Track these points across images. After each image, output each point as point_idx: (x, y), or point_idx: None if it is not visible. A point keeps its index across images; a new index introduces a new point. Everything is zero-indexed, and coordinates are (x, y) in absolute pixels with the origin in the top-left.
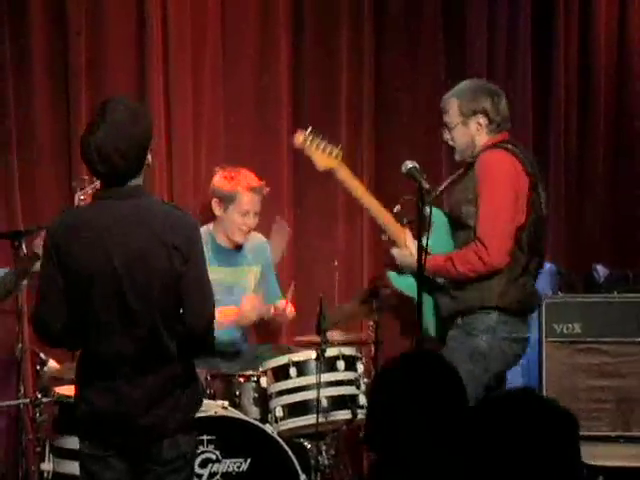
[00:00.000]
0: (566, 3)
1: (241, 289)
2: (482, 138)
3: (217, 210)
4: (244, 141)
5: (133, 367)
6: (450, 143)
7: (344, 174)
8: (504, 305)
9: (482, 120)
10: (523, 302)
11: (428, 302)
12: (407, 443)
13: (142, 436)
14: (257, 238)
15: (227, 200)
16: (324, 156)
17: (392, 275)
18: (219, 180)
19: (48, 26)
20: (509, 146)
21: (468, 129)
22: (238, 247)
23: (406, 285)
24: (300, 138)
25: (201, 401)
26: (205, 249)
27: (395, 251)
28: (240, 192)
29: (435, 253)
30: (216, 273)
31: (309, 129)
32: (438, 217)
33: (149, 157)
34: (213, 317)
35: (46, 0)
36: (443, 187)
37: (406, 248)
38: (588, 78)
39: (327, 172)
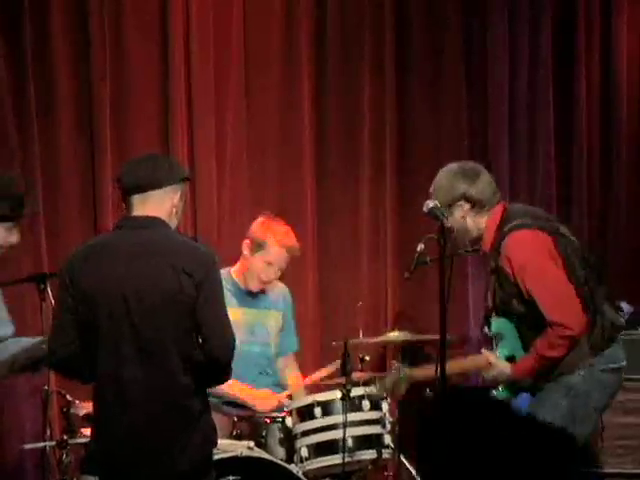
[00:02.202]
0: (587, 21)
1: (263, 329)
2: (473, 221)
3: (246, 250)
4: (267, 181)
5: (145, 399)
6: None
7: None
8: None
9: (465, 205)
10: (608, 331)
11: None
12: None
13: (152, 478)
14: (278, 286)
15: (257, 245)
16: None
17: (500, 394)
18: (257, 224)
19: (72, 72)
20: (517, 222)
21: (455, 217)
22: (260, 290)
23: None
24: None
25: (215, 440)
26: (225, 290)
27: (489, 375)
28: (272, 243)
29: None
30: (236, 313)
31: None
32: (501, 326)
33: (176, 202)
34: (234, 346)
35: (70, 46)
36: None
37: (493, 366)
38: (609, 95)
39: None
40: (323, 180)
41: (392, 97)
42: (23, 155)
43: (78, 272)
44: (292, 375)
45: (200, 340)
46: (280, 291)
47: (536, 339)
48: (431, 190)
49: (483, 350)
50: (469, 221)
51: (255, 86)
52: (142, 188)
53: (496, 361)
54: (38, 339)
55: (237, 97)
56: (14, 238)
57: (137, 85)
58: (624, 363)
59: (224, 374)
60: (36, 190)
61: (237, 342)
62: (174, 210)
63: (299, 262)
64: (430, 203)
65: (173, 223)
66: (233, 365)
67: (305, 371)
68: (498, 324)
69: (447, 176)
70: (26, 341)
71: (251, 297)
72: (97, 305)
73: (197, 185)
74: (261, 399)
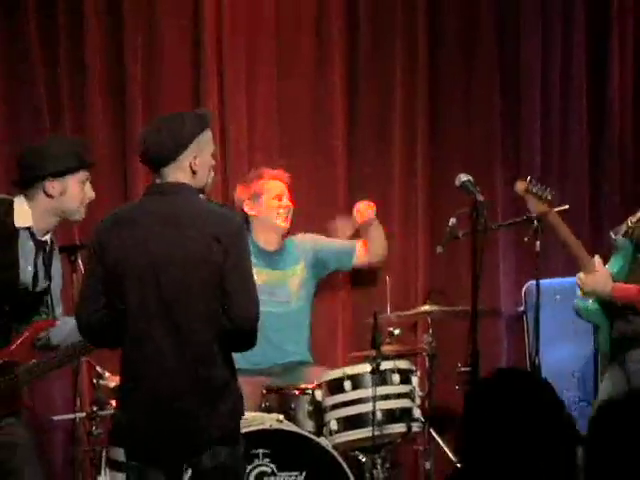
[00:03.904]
0: (621, 19)
1: (284, 289)
2: None
3: (250, 210)
4: (299, 160)
5: (171, 368)
6: None
7: (553, 218)
8: None
9: None
10: None
11: (606, 322)
12: (503, 459)
13: (177, 448)
14: (297, 237)
15: (256, 196)
16: (539, 202)
17: (582, 306)
18: (241, 190)
19: (104, 54)
20: None
21: None
22: (279, 249)
23: (589, 312)
24: (521, 186)
25: (242, 409)
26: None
27: (583, 278)
28: (264, 183)
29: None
30: (258, 275)
31: (529, 178)
32: (623, 245)
33: (193, 159)
34: (259, 312)
35: (103, 28)
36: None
37: (597, 269)
38: None
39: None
40: (354, 154)
41: (424, 73)
42: (54, 125)
43: (106, 241)
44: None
45: (225, 307)
46: (299, 242)
47: None
48: None
49: (596, 256)
50: None
51: (286, 65)
52: (156, 165)
53: (602, 268)
54: None
55: (268, 76)
56: (90, 192)
57: (169, 66)
58: None
59: (249, 341)
60: None
61: (260, 301)
62: (195, 172)
63: (331, 235)
64: (462, 177)
65: (200, 179)
66: None
67: (335, 351)
68: (624, 242)
69: None
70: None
71: (272, 257)
72: (125, 273)
73: (228, 162)
74: None
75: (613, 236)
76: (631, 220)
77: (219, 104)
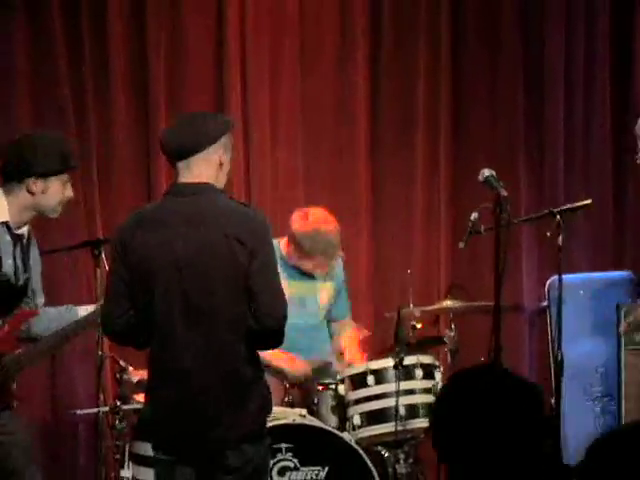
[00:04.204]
0: None
1: (313, 302)
2: None
3: (293, 252)
4: (321, 158)
5: (197, 367)
6: None
7: None
8: None
9: None
10: None
11: None
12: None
13: (204, 446)
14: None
15: (304, 255)
16: None
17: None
18: (300, 234)
19: (127, 44)
20: None
21: None
22: None
23: None
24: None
25: (270, 407)
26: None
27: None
28: (304, 255)
29: None
30: (288, 287)
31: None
32: None
33: (222, 157)
34: (286, 314)
35: (126, 17)
36: None
37: None
38: None
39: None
40: (377, 149)
41: (447, 72)
42: (78, 124)
43: (129, 242)
44: (347, 334)
45: (252, 308)
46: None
47: None
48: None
49: None
50: None
51: (309, 63)
52: (184, 154)
53: None
54: (91, 310)
55: (292, 75)
56: (69, 192)
57: (192, 65)
58: None
59: (276, 341)
60: (90, 154)
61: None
62: (222, 167)
63: (353, 232)
64: (486, 172)
65: (222, 180)
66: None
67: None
68: None
69: None
70: (55, 311)
71: (300, 271)
72: (150, 275)
73: (251, 154)
74: (291, 362)
75: None
76: None
77: (242, 102)
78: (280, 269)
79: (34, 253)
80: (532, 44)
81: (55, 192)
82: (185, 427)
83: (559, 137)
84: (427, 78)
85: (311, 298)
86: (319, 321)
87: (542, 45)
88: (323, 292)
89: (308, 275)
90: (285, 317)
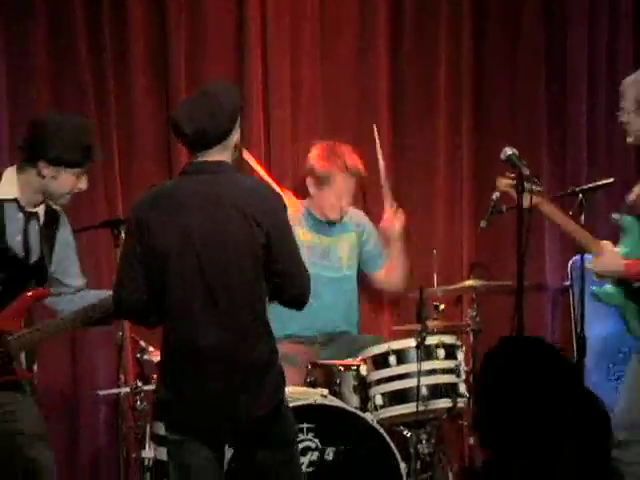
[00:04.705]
0: None
1: (334, 255)
2: None
3: (312, 189)
4: (343, 126)
5: (212, 347)
6: (625, 126)
7: (547, 208)
8: None
9: None
10: None
11: (630, 303)
12: (520, 433)
13: (221, 426)
14: (355, 214)
15: (322, 181)
16: (527, 195)
17: (600, 291)
18: (315, 159)
19: (147, 20)
20: None
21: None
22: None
23: (609, 295)
24: (504, 181)
25: (284, 387)
26: (301, 219)
27: (593, 261)
28: (336, 173)
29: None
30: (311, 238)
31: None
32: (630, 223)
33: (237, 136)
34: (310, 284)
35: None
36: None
37: (604, 249)
38: None
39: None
40: (398, 138)
41: (469, 54)
42: (99, 103)
43: (145, 219)
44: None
45: (275, 284)
46: (355, 218)
47: None
48: (625, 83)
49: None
50: None
51: (330, 49)
52: (208, 143)
53: (610, 247)
54: (108, 293)
55: (313, 60)
56: (83, 185)
57: (212, 48)
58: None
59: (301, 306)
60: (110, 136)
61: (311, 263)
62: (236, 147)
63: (376, 213)
64: (508, 150)
65: (234, 155)
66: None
67: (381, 322)
68: (630, 220)
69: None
70: (95, 294)
71: (326, 225)
72: (165, 253)
73: (272, 141)
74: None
75: (616, 217)
76: (629, 198)
77: (263, 87)
78: (303, 223)
79: (64, 234)
80: (554, 36)
81: (65, 181)
82: (199, 408)
83: (582, 131)
84: (449, 69)
85: (332, 250)
86: (343, 274)
87: (564, 38)
88: (344, 244)
89: (329, 226)
90: (309, 290)
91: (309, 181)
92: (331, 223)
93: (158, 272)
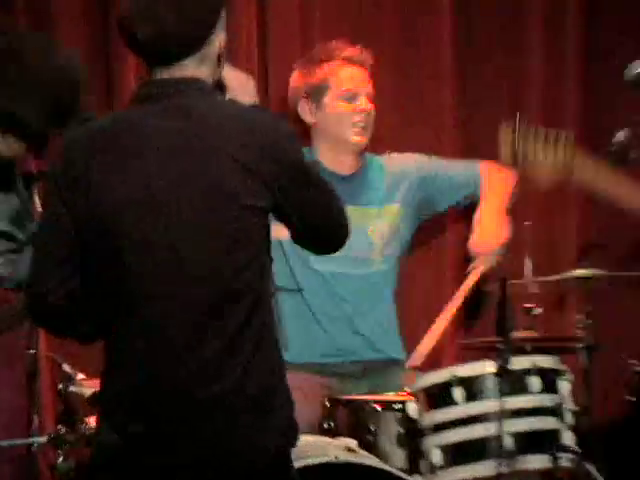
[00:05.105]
0: None
1: (364, 241)
2: None
3: (309, 116)
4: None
5: (188, 371)
6: None
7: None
8: None
9: None
10: None
11: None
12: None
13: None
14: (390, 158)
15: (317, 93)
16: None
17: None
18: (300, 75)
19: None
20: None
21: None
22: (358, 173)
23: None
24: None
25: (296, 432)
26: None
27: None
28: (333, 70)
29: None
30: None
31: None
32: None
33: (220, 43)
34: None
35: None
36: None
37: None
38: None
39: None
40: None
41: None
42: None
43: (82, 175)
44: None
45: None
46: (391, 167)
47: None
48: None
49: None
50: None
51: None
52: (174, 52)
53: None
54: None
55: None
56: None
57: None
58: None
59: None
60: None
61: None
62: (220, 56)
63: None
64: (636, 66)
65: (217, 73)
66: (312, 295)
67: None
68: None
69: None
70: None
71: (350, 186)
72: (115, 224)
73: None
74: None
75: None
76: None
77: None
78: None
79: None
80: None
81: None
82: (175, 455)
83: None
84: None
85: (360, 233)
86: (373, 272)
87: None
88: (381, 224)
89: (354, 187)
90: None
91: (302, 109)
92: (356, 181)
93: (100, 252)
